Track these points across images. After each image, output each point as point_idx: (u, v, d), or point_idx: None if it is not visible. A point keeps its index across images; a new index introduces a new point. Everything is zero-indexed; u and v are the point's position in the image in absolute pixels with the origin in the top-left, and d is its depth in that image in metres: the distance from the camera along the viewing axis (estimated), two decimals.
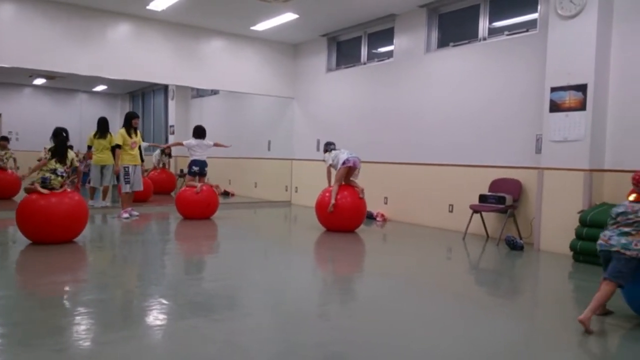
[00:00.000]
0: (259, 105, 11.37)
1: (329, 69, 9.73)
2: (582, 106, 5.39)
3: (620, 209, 3.29)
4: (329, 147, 6.96)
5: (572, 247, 5.14)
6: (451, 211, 7.21)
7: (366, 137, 8.68)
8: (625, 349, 2.90)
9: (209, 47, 9.45)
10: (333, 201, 6.47)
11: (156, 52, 8.80)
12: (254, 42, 9.91)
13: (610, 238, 3.22)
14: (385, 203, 8.33)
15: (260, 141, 11.18)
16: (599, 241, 3.31)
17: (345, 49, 9.62)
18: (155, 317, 3.14)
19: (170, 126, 13.17)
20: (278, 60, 10.30)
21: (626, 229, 3.18)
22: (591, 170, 5.38)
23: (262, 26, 8.99)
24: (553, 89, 5.65)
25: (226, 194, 11.58)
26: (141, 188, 7.82)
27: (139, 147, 7.88)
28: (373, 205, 8.38)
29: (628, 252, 3.10)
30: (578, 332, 3.12)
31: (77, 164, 5.54)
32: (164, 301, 3.44)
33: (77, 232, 5.44)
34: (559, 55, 5.62)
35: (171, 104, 13.28)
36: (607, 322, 3.27)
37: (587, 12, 5.38)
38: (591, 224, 4.97)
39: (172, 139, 12.61)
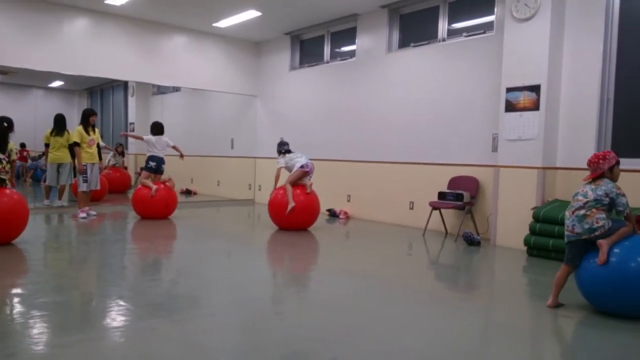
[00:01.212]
0: (222, 103, 11.26)
1: (293, 67, 9.73)
2: (535, 106, 5.59)
3: (575, 192, 3.51)
4: (283, 147, 6.92)
5: (526, 242, 5.33)
6: (412, 208, 7.35)
7: (329, 136, 8.74)
8: (579, 341, 3.03)
9: (171, 43, 9.30)
10: (292, 204, 6.45)
11: (115, 47, 8.59)
12: (217, 39, 9.81)
13: (574, 227, 3.38)
14: (348, 201, 8.41)
15: (223, 139, 11.09)
16: (566, 232, 3.47)
17: (308, 48, 9.64)
18: (113, 319, 3.09)
19: (130, 123, 12.87)
20: (241, 58, 10.23)
21: (581, 212, 3.34)
22: (544, 168, 5.59)
23: (224, 23, 8.91)
24: (508, 90, 5.84)
25: (188, 192, 11.44)
26: (98, 187, 7.64)
27: (97, 145, 7.70)
28: (336, 203, 8.46)
29: (597, 233, 3.29)
30: (533, 324, 3.25)
31: (15, 156, 5.36)
32: (122, 302, 3.39)
33: (16, 233, 5.21)
34: (514, 56, 5.81)
35: (131, 101, 12.97)
36: (559, 314, 3.41)
37: (540, 16, 5.58)
38: (544, 220, 5.17)
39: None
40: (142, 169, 7.69)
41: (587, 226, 3.31)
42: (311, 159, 6.84)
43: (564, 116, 5.67)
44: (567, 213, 3.49)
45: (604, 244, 3.23)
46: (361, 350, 2.69)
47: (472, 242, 5.93)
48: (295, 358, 2.57)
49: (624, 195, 3.35)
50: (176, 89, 12.07)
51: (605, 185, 3.35)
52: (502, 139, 5.93)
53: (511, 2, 5.79)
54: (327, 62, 9.04)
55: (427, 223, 6.64)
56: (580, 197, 3.41)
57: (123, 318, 3.11)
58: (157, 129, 7.80)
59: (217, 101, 11.32)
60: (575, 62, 5.57)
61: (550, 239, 5.09)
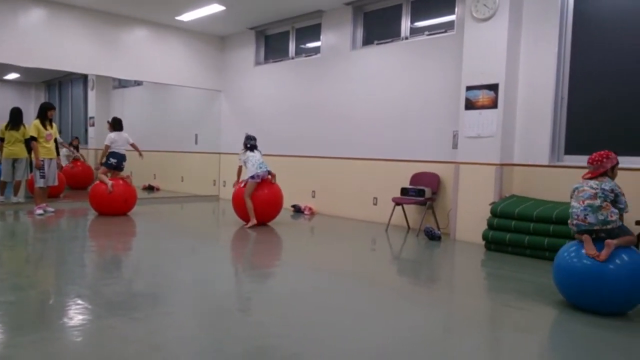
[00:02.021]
0: (186, 97, 11.11)
1: (257, 63, 9.68)
2: (494, 104, 5.75)
3: (576, 185, 3.55)
4: (249, 142, 6.86)
5: (484, 237, 5.49)
6: (375, 204, 7.45)
7: (294, 132, 8.75)
8: (535, 334, 3.15)
9: (132, 36, 9.10)
10: (254, 221, 6.54)
11: (74, 39, 8.35)
12: (180, 32, 9.66)
13: (586, 217, 3.37)
14: (313, 197, 8.45)
15: (187, 134, 10.94)
16: (575, 222, 3.44)
17: (273, 43, 9.61)
18: (71, 318, 3.03)
19: (90, 118, 12.55)
20: (205, 52, 10.11)
21: (594, 203, 3.35)
22: (502, 165, 5.76)
23: (187, 17, 8.78)
24: (468, 88, 5.98)
25: (151, 188, 11.25)
26: (56, 183, 7.44)
27: (55, 140, 7.48)
28: (301, 199, 8.48)
29: (609, 226, 3.32)
30: (490, 317, 3.36)
31: None
32: (80, 301, 3.33)
33: None
34: (473, 55, 5.95)
35: (91, 94, 12.65)
36: (514, 306, 3.54)
37: (499, 16, 5.73)
38: (501, 215, 5.33)
39: (92, 131, 12.06)
40: (101, 164, 7.51)
41: (602, 217, 3.33)
42: (276, 155, 6.82)
43: (521, 114, 5.86)
44: (574, 203, 3.49)
45: (612, 244, 3.25)
46: (323, 345, 2.73)
47: (433, 236, 6.06)
48: (258, 354, 2.58)
49: (624, 195, 3.44)
50: (138, 83, 11.82)
51: (609, 182, 3.43)
52: (462, 136, 6.08)
53: (471, 2, 5.93)
54: (292, 58, 9.04)
55: (390, 218, 6.75)
56: (586, 188, 3.44)
57: (81, 317, 3.05)
58: (117, 124, 7.62)
59: (180, 96, 11.16)
60: (532, 62, 5.76)
61: (507, 233, 5.25)
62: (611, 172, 3.52)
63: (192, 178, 10.94)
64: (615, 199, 3.40)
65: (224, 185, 10.35)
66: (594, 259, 3.27)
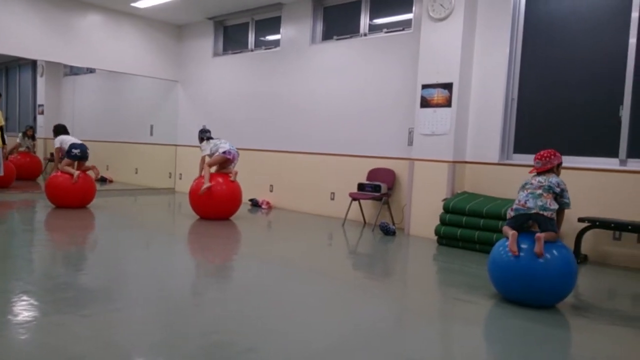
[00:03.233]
0: (141, 87, 10.83)
1: (216, 54, 9.54)
2: (448, 103, 5.90)
3: (525, 181, 3.69)
4: (205, 134, 6.84)
5: (437, 232, 5.65)
6: (333, 199, 7.52)
7: (253, 125, 8.70)
8: (481, 327, 3.28)
9: (84, 21, 8.79)
10: (207, 184, 6.40)
11: (22, 22, 7.99)
12: (135, 20, 9.40)
13: (526, 202, 3.53)
14: (271, 191, 8.44)
15: (142, 125, 10.68)
16: (515, 206, 3.58)
17: (232, 34, 9.50)
18: (15, 315, 2.93)
19: (39, 106, 12.03)
20: (161, 41, 9.88)
21: (537, 192, 3.53)
22: (454, 162, 5.93)
23: (143, 3, 8.56)
24: (424, 86, 6.12)
25: (103, 180, 10.93)
26: (1, 173, 7.13)
27: (1, 128, 7.16)
28: (259, 193, 8.46)
29: (546, 213, 3.47)
30: (440, 311, 3.48)
31: None
32: (26, 297, 3.22)
33: None
34: (429, 54, 6.08)
35: (40, 81, 12.11)
36: (466, 300, 3.67)
37: (454, 16, 5.88)
38: (453, 210, 5.50)
39: (40, 120, 11.57)
40: (51, 154, 7.24)
41: (540, 204, 3.48)
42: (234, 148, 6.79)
43: (473, 113, 6.04)
44: (520, 193, 3.65)
45: (542, 237, 3.37)
46: (279, 339, 2.75)
47: (388, 231, 6.18)
48: (213, 350, 2.58)
49: (568, 191, 3.60)
50: (90, 71, 11.43)
51: (555, 178, 3.59)
52: (417, 133, 6.22)
53: (428, 1, 6.05)
54: (252, 50, 8.96)
55: (346, 213, 6.83)
56: (533, 181, 3.60)
57: (27, 314, 2.95)
58: (62, 130, 7.36)
59: (135, 85, 10.86)
60: (485, 63, 5.94)
61: (458, 228, 5.42)
62: (556, 169, 3.68)
63: (147, 170, 10.70)
64: (561, 194, 3.56)
65: (180, 178, 10.18)
66: (537, 256, 3.37)
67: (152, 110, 10.70)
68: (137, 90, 11.01)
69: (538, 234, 3.42)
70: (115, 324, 2.89)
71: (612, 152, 5.18)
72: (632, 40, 5.06)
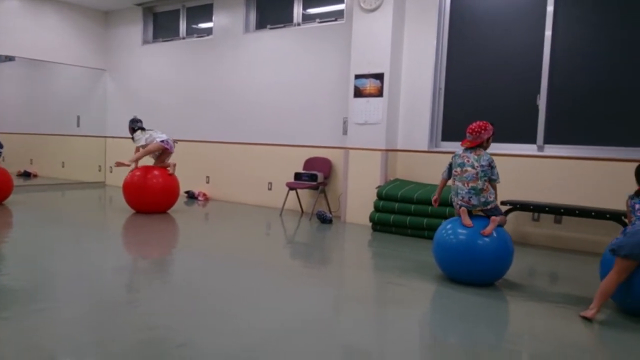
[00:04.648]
0: (66, 76, 10.25)
1: (145, 41, 9.22)
2: (379, 93, 6.05)
3: (458, 160, 3.82)
4: (136, 125, 6.64)
5: (371, 219, 5.81)
6: (270, 189, 7.53)
7: (187, 115, 8.51)
8: (412, 308, 3.43)
9: (1, 6, 8.21)
10: (133, 165, 6.30)
11: None
12: (58, 5, 8.90)
13: (470, 199, 3.71)
14: (207, 182, 8.33)
15: (68, 116, 10.15)
16: (459, 202, 3.75)
17: (162, 21, 9.20)
18: None
19: None
20: (87, 28, 9.42)
21: (477, 185, 3.69)
22: (387, 150, 6.11)
23: None
24: (357, 76, 6.23)
25: (27, 174, 10.34)
26: None
27: None
28: (194, 184, 8.32)
29: (489, 207, 3.71)
30: (375, 294, 3.60)
31: None
32: None
33: None
34: (361, 45, 6.19)
35: None
36: (395, 282, 3.82)
37: (384, 8, 6.01)
38: (386, 197, 5.67)
39: None
40: None
41: (482, 199, 3.69)
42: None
43: (404, 103, 6.23)
44: (459, 184, 3.77)
45: (496, 220, 3.63)
46: (213, 332, 2.75)
47: (325, 220, 6.29)
48: (145, 347, 2.55)
49: (496, 167, 3.80)
50: (9, 58, 10.67)
51: (485, 156, 3.75)
52: (351, 122, 6.33)
53: None
54: (183, 38, 8.74)
55: (284, 203, 6.87)
56: (469, 169, 3.73)
57: None
58: None
59: (59, 74, 10.28)
60: (413, 53, 6.13)
61: (391, 215, 5.61)
62: (486, 143, 3.85)
63: (75, 163, 10.21)
64: (491, 171, 3.76)
65: (111, 172, 9.81)
66: (483, 234, 3.61)
67: (79, 100, 10.19)
68: (62, 80, 10.42)
69: (493, 217, 3.67)
70: (38, 325, 2.78)
71: (531, 139, 5.52)
72: (548, 33, 5.39)
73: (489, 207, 3.73)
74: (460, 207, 3.78)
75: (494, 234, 3.65)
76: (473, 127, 3.82)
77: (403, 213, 5.51)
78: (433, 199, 4.13)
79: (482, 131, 3.80)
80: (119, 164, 6.37)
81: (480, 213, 3.78)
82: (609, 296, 3.11)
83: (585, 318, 3.09)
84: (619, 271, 3.04)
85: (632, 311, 3.19)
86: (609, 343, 2.88)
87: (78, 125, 10.06)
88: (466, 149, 3.85)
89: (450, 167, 3.95)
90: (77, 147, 10.11)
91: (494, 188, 3.84)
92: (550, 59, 5.39)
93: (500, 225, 3.76)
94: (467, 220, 3.69)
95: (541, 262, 4.75)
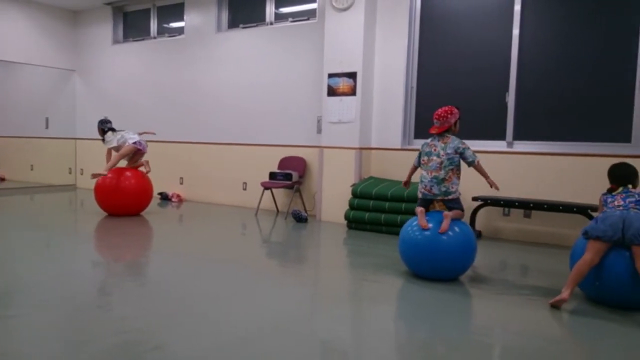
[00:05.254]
0: (33, 77, 10.01)
1: (116, 41, 9.08)
2: (353, 92, 6.10)
3: (426, 149, 3.85)
4: (105, 125, 6.52)
5: (346, 217, 5.85)
6: (245, 189, 7.51)
7: (159, 116, 8.41)
8: (386, 304, 3.47)
9: None
10: (104, 172, 6.16)
11: None
12: (25, 4, 8.69)
13: (432, 188, 3.76)
14: (181, 183, 8.25)
15: (36, 118, 9.91)
16: (422, 190, 3.82)
17: (133, 21, 9.07)
18: None
19: None
20: (55, 28, 9.22)
21: (439, 175, 3.73)
22: (361, 149, 6.16)
23: None
24: (330, 75, 6.26)
25: None
26: None
27: None
28: (168, 186, 8.23)
29: (450, 197, 3.75)
30: (350, 292, 3.63)
31: None
32: None
33: None
34: (334, 44, 6.23)
35: None
36: (370, 279, 3.86)
37: (356, 7, 6.05)
38: (361, 195, 5.72)
39: None
40: None
41: (444, 189, 3.73)
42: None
43: (377, 102, 6.29)
44: (424, 172, 3.83)
45: (449, 216, 3.65)
46: (189, 334, 2.73)
47: (300, 219, 6.30)
48: (118, 351, 2.52)
49: (469, 148, 3.79)
50: None
51: (452, 142, 3.76)
52: (325, 121, 6.36)
53: None
54: (154, 38, 8.63)
55: (259, 203, 6.86)
56: (434, 158, 3.77)
57: None
58: None
59: (27, 75, 10.03)
60: (385, 52, 6.19)
61: (366, 212, 5.65)
62: (454, 127, 3.88)
63: (44, 166, 9.99)
64: (463, 155, 3.77)
65: (82, 174, 9.63)
66: (441, 232, 3.64)
67: (47, 101, 9.97)
68: (30, 81, 10.17)
69: (446, 212, 3.70)
70: (7, 332, 2.72)
71: (500, 136, 5.64)
72: (516, 32, 5.51)
73: (449, 197, 3.77)
74: (424, 200, 3.84)
75: (456, 229, 3.69)
76: (439, 113, 3.84)
77: (377, 210, 5.56)
78: (403, 182, 4.24)
79: (449, 115, 3.82)
80: (95, 176, 6.21)
81: (442, 204, 3.83)
82: (582, 278, 3.21)
83: (555, 306, 3.18)
84: (591, 253, 3.17)
85: (600, 299, 3.29)
86: (577, 332, 2.97)
87: (47, 127, 9.84)
88: (435, 137, 3.88)
89: (420, 156, 3.99)
90: (46, 150, 9.89)
91: (479, 169, 3.80)
92: (518, 57, 5.51)
93: (458, 219, 3.80)
94: (422, 221, 3.72)
95: (511, 256, 4.86)
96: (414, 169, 4.11)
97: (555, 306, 3.19)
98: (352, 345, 2.71)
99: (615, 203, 3.30)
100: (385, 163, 6.21)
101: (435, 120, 3.87)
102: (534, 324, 2.99)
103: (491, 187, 3.83)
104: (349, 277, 4.12)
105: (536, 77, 5.46)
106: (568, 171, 5.17)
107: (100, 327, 2.84)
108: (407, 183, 4.22)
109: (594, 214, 4.27)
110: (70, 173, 9.78)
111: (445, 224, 3.64)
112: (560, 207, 4.94)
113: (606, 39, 5.11)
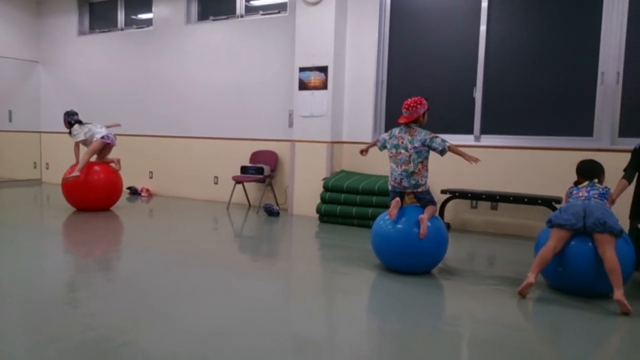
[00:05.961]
0: None
1: (82, 32, 8.86)
2: (324, 86, 6.11)
3: (394, 141, 3.86)
4: (72, 118, 6.36)
5: (318, 210, 5.88)
6: (216, 183, 7.45)
7: (127, 109, 8.26)
8: (356, 296, 3.51)
9: None
10: (77, 173, 5.97)
11: None
12: None
13: (402, 181, 3.81)
14: (151, 177, 8.13)
15: None
16: (392, 184, 3.87)
17: (99, 12, 8.86)
18: None
19: None
20: (17, 18, 8.94)
21: (409, 168, 3.77)
22: (332, 142, 6.19)
23: None
24: (301, 69, 6.26)
25: None
26: None
27: None
28: (137, 180, 8.11)
29: (420, 189, 3.81)
30: (321, 284, 3.66)
31: None
32: None
33: None
34: (304, 38, 6.22)
35: None
36: (340, 272, 3.90)
37: (327, 1, 6.06)
38: (332, 189, 5.76)
39: None
40: None
41: (413, 182, 3.79)
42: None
43: (348, 95, 6.32)
44: (393, 165, 3.86)
45: (425, 219, 3.65)
46: (159, 330, 2.72)
47: (272, 213, 6.31)
48: (85, 348, 2.48)
49: (437, 136, 3.78)
50: None
51: (419, 135, 3.78)
52: (296, 115, 6.37)
53: None
54: (122, 29, 8.45)
55: (230, 197, 6.83)
56: (402, 151, 3.80)
57: None
58: None
59: None
60: (356, 47, 6.22)
61: (337, 206, 5.70)
62: (422, 118, 3.90)
63: (7, 160, 9.68)
64: (431, 148, 3.78)
65: (47, 168, 9.39)
66: (421, 237, 3.65)
67: (10, 93, 9.64)
68: None
69: (421, 216, 3.69)
70: None
71: (468, 129, 5.75)
72: (483, 28, 5.62)
73: (419, 189, 3.84)
74: (395, 193, 3.89)
75: (429, 224, 3.71)
76: (409, 103, 3.85)
77: (349, 204, 5.61)
78: (361, 149, 4.22)
79: (418, 106, 3.83)
80: (68, 180, 6.01)
81: (412, 197, 3.89)
82: (546, 263, 3.33)
83: (522, 294, 3.29)
84: (555, 240, 3.31)
85: (563, 287, 3.42)
86: (541, 319, 3.08)
87: (10, 120, 9.54)
88: (402, 129, 3.90)
89: (384, 141, 4.00)
90: (9, 143, 9.59)
91: (454, 151, 3.74)
92: (485, 53, 5.62)
93: (433, 215, 3.85)
94: (392, 211, 3.75)
95: (479, 247, 4.98)
96: (376, 143, 4.12)
97: (523, 293, 3.30)
98: (324, 337, 2.75)
99: (580, 194, 3.46)
100: (357, 157, 6.25)
101: (404, 110, 3.87)
102: (501, 313, 3.08)
103: (472, 162, 3.69)
104: (320, 270, 4.15)
105: (502, 72, 5.58)
106: (533, 164, 5.31)
107: (68, 323, 2.79)
108: (365, 151, 4.20)
109: (558, 206, 4.41)
110: (35, 167, 9.53)
111: (422, 228, 3.64)
112: (526, 200, 5.08)
113: (569, 36, 5.26)
